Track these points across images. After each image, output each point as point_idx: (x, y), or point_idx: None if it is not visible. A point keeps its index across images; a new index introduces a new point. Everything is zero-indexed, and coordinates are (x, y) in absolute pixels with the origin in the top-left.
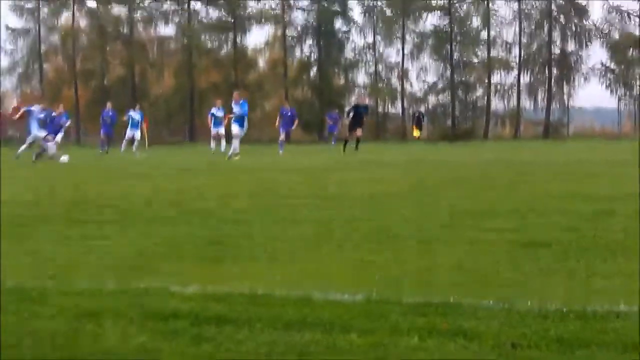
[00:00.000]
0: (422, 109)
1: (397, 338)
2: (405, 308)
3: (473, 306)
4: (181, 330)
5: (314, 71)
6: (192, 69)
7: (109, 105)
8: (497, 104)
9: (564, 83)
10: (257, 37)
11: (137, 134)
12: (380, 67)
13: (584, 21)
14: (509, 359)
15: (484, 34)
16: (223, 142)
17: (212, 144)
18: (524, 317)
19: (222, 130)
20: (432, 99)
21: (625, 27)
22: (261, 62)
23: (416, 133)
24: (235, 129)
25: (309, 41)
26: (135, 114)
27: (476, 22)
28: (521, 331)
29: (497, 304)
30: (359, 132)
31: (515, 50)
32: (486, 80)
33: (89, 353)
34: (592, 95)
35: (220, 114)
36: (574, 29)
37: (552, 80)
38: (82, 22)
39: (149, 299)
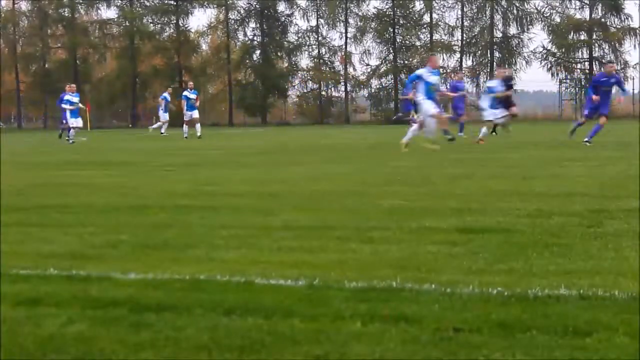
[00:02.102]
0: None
1: (339, 323)
2: (347, 293)
3: (415, 291)
4: (120, 317)
5: (257, 55)
6: (135, 52)
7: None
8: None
9: (506, 66)
10: (200, 20)
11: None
12: (323, 50)
13: (526, 4)
14: (451, 344)
15: (426, 17)
16: (198, 126)
17: (185, 129)
18: (466, 302)
19: (196, 114)
20: (375, 83)
21: (566, 10)
22: (204, 46)
23: None
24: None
25: (252, 24)
26: None
27: (419, 5)
28: (463, 315)
29: (438, 289)
30: (514, 109)
31: (458, 34)
32: None
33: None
34: (533, 78)
35: (193, 96)
36: (515, 12)
37: (494, 63)
38: (23, 6)
39: (89, 286)
